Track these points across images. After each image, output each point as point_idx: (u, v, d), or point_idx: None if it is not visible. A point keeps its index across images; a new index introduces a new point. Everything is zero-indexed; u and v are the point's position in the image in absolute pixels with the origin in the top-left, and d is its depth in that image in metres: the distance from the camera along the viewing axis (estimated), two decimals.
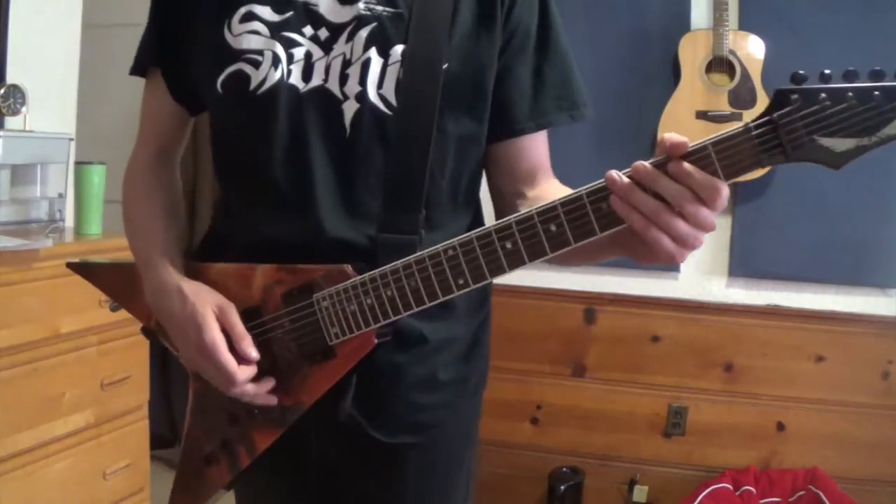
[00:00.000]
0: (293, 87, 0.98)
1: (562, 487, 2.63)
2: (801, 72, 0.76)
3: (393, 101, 0.98)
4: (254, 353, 0.97)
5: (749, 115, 2.41)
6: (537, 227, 0.85)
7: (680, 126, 2.49)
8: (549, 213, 0.85)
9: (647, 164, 0.80)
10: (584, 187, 0.83)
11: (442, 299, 0.91)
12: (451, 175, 1.04)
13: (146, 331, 1.12)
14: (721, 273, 2.63)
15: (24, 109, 2.31)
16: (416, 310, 0.93)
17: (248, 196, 1.04)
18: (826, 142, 0.72)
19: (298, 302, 0.98)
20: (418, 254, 0.92)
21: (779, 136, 0.75)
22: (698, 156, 0.78)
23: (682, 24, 2.57)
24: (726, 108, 2.47)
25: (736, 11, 2.53)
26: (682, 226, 0.78)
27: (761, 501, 2.48)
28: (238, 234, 1.06)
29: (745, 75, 2.45)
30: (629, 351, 2.70)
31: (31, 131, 2.34)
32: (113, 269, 1.19)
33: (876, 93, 0.74)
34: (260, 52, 0.98)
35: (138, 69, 1.13)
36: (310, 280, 0.97)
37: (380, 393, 1.04)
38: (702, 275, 2.65)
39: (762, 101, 2.44)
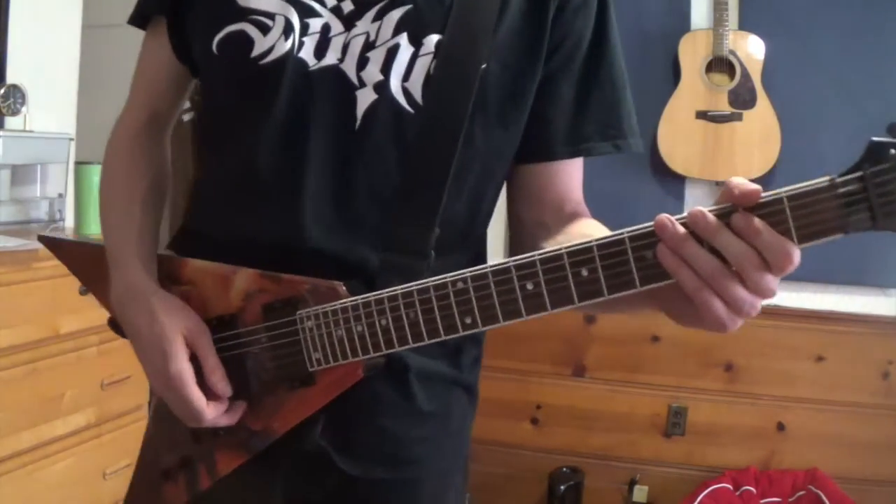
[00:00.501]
0: (302, 63, 0.85)
1: (562, 487, 2.63)
2: None
3: (418, 97, 0.85)
4: (226, 389, 0.86)
5: (749, 115, 2.43)
6: (566, 269, 0.72)
7: (680, 126, 2.49)
8: (582, 254, 0.71)
9: (707, 212, 0.65)
10: (628, 229, 0.69)
11: (443, 338, 0.77)
12: (471, 193, 0.91)
13: (113, 324, 0.98)
14: None
15: (24, 109, 2.31)
16: (411, 346, 0.79)
17: (228, 183, 0.91)
18: None
19: (280, 317, 0.85)
20: (422, 282, 0.78)
21: (869, 198, 0.61)
22: (769, 209, 0.63)
23: (682, 24, 2.57)
24: (726, 108, 2.47)
25: (736, 11, 2.53)
26: (740, 291, 0.65)
27: (761, 501, 2.48)
28: (214, 228, 0.93)
29: (745, 75, 2.45)
30: (629, 351, 2.70)
31: (31, 131, 2.34)
32: (84, 249, 1.05)
33: None
34: (271, 16, 0.85)
35: (140, 18, 0.98)
36: (295, 294, 0.85)
37: (353, 421, 0.91)
38: None
39: (762, 101, 2.45)
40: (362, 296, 0.81)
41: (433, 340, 0.78)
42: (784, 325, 2.58)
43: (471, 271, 0.75)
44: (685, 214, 0.66)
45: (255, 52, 0.85)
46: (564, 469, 2.71)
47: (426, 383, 0.93)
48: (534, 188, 0.96)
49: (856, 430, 2.55)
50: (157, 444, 0.98)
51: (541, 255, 0.73)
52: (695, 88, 2.48)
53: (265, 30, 0.85)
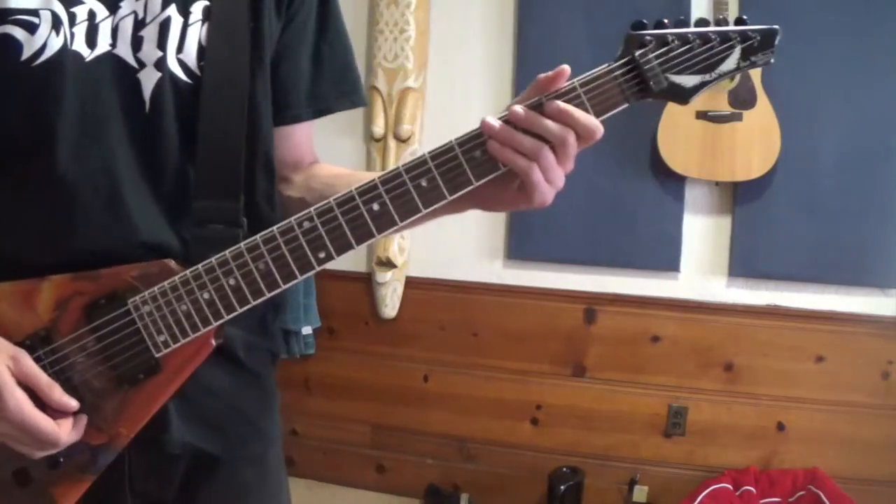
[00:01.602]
0: (78, 55, 0.81)
1: (562, 487, 2.63)
2: (642, 20, 0.83)
3: (194, 67, 0.85)
4: (72, 403, 0.80)
5: (749, 115, 2.43)
6: (406, 184, 0.79)
7: (680, 126, 2.49)
8: (418, 167, 0.80)
9: (522, 106, 0.79)
10: (454, 138, 0.80)
11: (300, 278, 0.80)
12: (264, 155, 0.92)
13: None
14: (721, 273, 2.63)
15: None
16: (267, 295, 0.80)
17: (26, 198, 0.83)
18: (677, 79, 0.80)
19: (108, 313, 0.81)
20: (265, 231, 0.80)
21: (640, 74, 0.80)
22: (569, 96, 0.79)
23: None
24: (726, 108, 2.46)
25: (736, 11, 2.53)
26: (558, 165, 0.80)
27: (761, 501, 2.48)
28: (20, 250, 0.83)
29: (745, 75, 2.45)
30: (629, 351, 2.70)
31: None
32: None
33: (713, 35, 0.81)
34: (34, 13, 0.80)
35: None
36: (120, 285, 0.81)
37: (203, 409, 0.90)
38: (702, 275, 2.64)
39: (762, 101, 2.45)
40: (203, 262, 0.80)
41: (289, 284, 0.80)
42: (784, 325, 2.58)
43: (314, 208, 0.79)
44: (504, 113, 0.79)
45: (26, 54, 0.80)
46: (564, 469, 2.71)
47: (251, 356, 0.95)
48: (285, 149, 0.98)
49: (856, 430, 2.55)
50: None
51: (381, 176, 0.80)
52: None
53: (32, 29, 0.80)
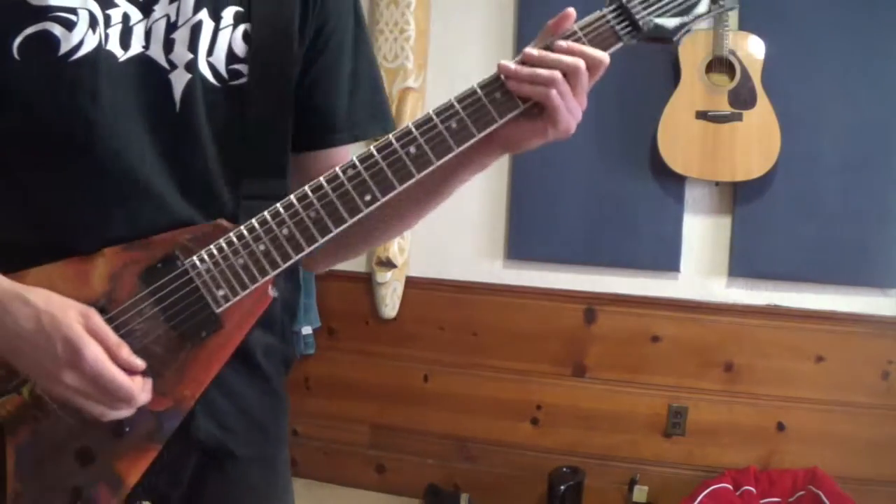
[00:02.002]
0: (111, 55, 0.84)
1: (562, 487, 2.63)
2: None
3: (223, 71, 0.88)
4: (140, 362, 0.81)
5: (749, 115, 2.44)
6: (438, 126, 0.85)
7: (680, 126, 2.49)
8: (447, 110, 0.86)
9: (534, 47, 0.87)
10: (476, 83, 0.87)
11: (349, 222, 0.85)
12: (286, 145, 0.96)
13: None
14: (721, 273, 2.63)
15: None
16: (320, 241, 0.84)
17: (65, 189, 0.85)
18: (660, 21, 0.90)
19: (164, 275, 0.83)
20: (312, 182, 0.84)
21: (629, 17, 0.88)
22: (573, 37, 0.88)
23: None
24: (726, 108, 2.46)
25: (736, 11, 2.53)
26: (573, 96, 0.87)
27: (761, 501, 2.48)
28: (58, 240, 0.85)
29: (745, 75, 2.45)
30: (629, 351, 2.70)
31: None
32: None
33: None
34: (73, 11, 0.83)
35: None
36: (174, 248, 0.84)
37: (225, 407, 0.93)
38: (702, 275, 2.65)
39: (762, 101, 2.45)
40: (256, 216, 0.84)
41: (339, 229, 0.85)
42: (784, 325, 2.58)
43: (356, 156, 0.85)
44: (520, 56, 0.87)
45: (63, 49, 0.83)
46: (564, 469, 2.71)
47: (267, 360, 0.97)
48: (316, 171, 0.98)
49: (856, 430, 2.55)
50: (30, 501, 0.87)
51: (413, 122, 0.86)
52: (695, 88, 2.48)
53: (70, 26, 0.83)
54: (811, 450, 2.57)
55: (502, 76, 0.86)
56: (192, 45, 0.86)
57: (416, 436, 2.90)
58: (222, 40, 0.88)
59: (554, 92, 0.85)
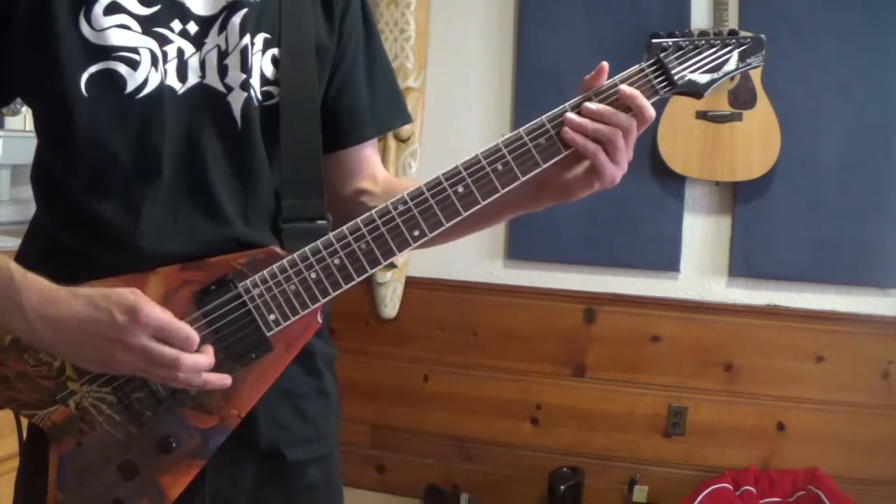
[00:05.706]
0: (172, 89, 0.90)
1: (562, 487, 2.63)
2: (657, 32, 0.96)
3: (260, 89, 0.94)
4: (196, 334, 0.83)
5: (749, 115, 2.44)
6: (485, 168, 0.90)
7: (680, 126, 2.49)
8: (494, 153, 0.91)
9: (595, 103, 0.92)
10: (522, 128, 0.92)
11: (398, 255, 0.90)
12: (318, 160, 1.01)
13: None
14: (721, 273, 2.63)
15: (24, 109, 2.31)
16: (369, 272, 0.89)
17: (134, 212, 0.88)
18: (694, 77, 0.96)
19: (218, 298, 0.86)
20: (364, 216, 0.89)
21: (666, 73, 0.95)
22: (610, 91, 0.93)
23: (682, 24, 2.57)
24: (726, 108, 2.47)
25: (736, 11, 2.53)
26: (624, 147, 0.93)
27: (761, 501, 2.48)
28: (125, 258, 0.88)
29: (745, 75, 2.45)
30: (629, 351, 2.70)
31: (31, 131, 2.33)
32: None
33: (715, 41, 0.98)
34: (135, 50, 0.88)
35: None
36: (228, 271, 0.87)
37: (284, 410, 0.97)
38: (702, 275, 2.65)
39: (762, 101, 2.45)
40: (309, 245, 0.89)
41: (388, 260, 0.90)
42: (784, 325, 2.58)
43: (407, 193, 0.90)
44: (578, 109, 0.92)
45: (129, 87, 0.88)
46: (564, 469, 2.71)
47: (327, 365, 1.03)
48: (350, 167, 1.07)
49: (856, 430, 2.55)
50: None
51: (462, 163, 0.91)
52: None
53: (134, 65, 0.88)
54: (811, 450, 2.57)
55: (566, 125, 0.91)
56: (244, 67, 0.92)
57: (416, 436, 2.90)
58: (256, 64, 0.93)
59: (601, 149, 0.91)
